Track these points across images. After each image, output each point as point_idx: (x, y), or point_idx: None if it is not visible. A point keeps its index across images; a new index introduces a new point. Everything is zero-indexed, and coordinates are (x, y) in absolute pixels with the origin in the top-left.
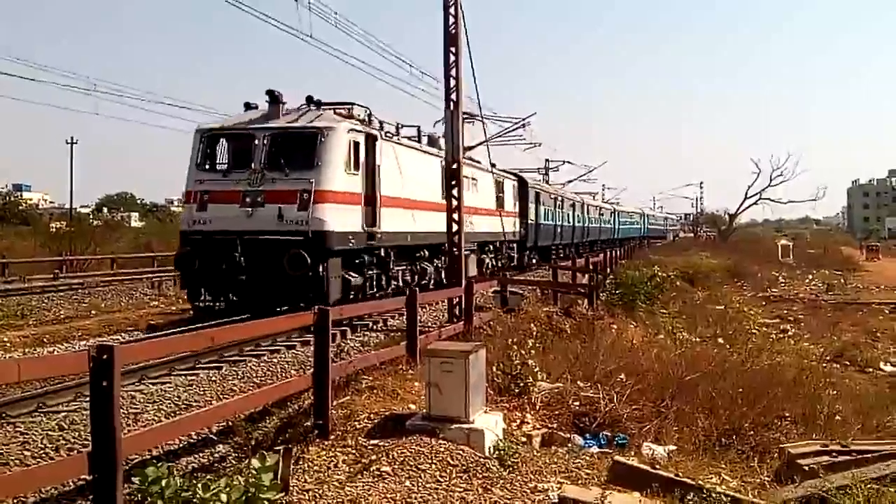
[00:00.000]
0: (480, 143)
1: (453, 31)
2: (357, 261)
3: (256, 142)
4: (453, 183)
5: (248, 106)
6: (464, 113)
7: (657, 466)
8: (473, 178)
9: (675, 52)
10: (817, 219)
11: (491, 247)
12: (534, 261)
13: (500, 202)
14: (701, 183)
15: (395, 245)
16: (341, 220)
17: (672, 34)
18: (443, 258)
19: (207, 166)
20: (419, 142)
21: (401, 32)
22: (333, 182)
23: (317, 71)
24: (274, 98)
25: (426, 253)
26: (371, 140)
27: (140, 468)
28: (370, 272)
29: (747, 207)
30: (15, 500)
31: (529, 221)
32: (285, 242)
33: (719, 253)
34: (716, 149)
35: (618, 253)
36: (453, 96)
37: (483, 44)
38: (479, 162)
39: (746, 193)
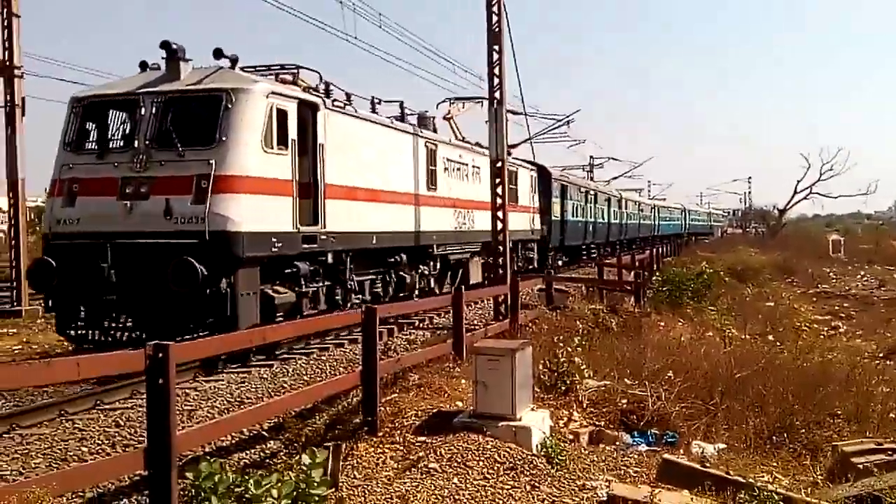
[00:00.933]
0: (525, 141)
1: (496, 29)
2: (289, 271)
3: (142, 111)
4: (497, 181)
5: (143, 66)
6: (507, 111)
7: (707, 465)
8: (468, 164)
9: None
10: (868, 213)
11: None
12: (560, 262)
13: (511, 195)
14: (749, 178)
15: (352, 249)
16: (257, 216)
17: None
18: (435, 263)
19: (82, 147)
20: (402, 120)
21: (437, 30)
22: (244, 164)
23: (360, 73)
24: (171, 53)
25: (404, 258)
26: (308, 109)
27: (194, 464)
28: (312, 286)
29: (797, 202)
30: (73, 495)
31: (554, 218)
32: (170, 248)
33: (768, 249)
34: (765, 143)
35: (663, 250)
36: (497, 94)
37: (526, 41)
38: (476, 145)
39: (796, 188)
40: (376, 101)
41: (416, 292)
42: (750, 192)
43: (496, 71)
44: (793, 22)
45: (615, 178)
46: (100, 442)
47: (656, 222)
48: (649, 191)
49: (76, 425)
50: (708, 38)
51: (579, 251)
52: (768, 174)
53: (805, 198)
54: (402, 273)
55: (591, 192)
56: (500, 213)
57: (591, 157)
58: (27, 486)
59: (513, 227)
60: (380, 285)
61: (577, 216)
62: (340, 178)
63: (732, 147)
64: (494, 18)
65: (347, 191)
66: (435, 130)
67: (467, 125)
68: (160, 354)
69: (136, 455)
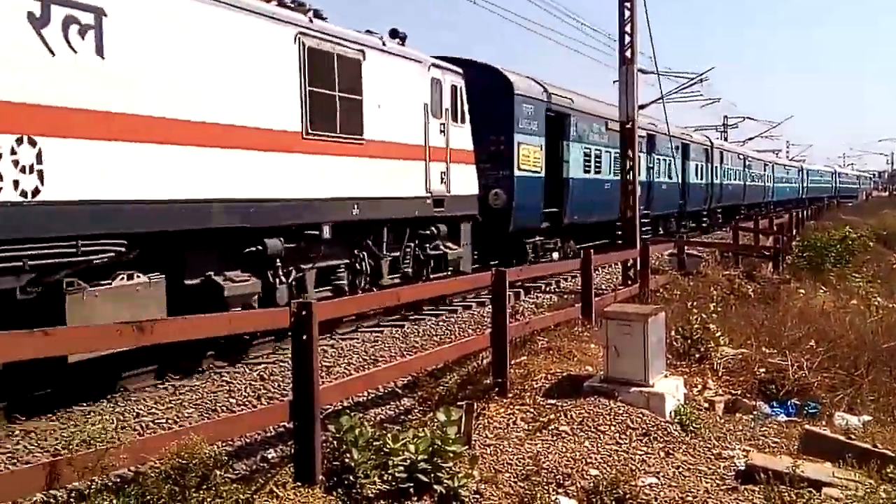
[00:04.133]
0: (655, 101)
1: None
2: None
3: None
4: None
5: None
6: (638, 69)
7: (852, 437)
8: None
9: None
10: None
11: (436, 229)
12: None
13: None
14: None
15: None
16: None
17: None
18: (359, 254)
19: None
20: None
21: None
22: None
23: (482, 36)
24: None
25: (278, 246)
26: None
27: (334, 418)
28: None
29: None
30: (223, 443)
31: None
32: None
33: None
34: None
35: (804, 214)
36: (627, 53)
37: None
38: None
39: None
40: None
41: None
42: None
43: (627, 29)
44: None
45: (750, 138)
46: (246, 394)
47: (802, 184)
48: (787, 152)
49: (224, 378)
50: None
51: (699, 216)
52: None
53: None
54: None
55: (717, 151)
56: (629, 176)
57: (724, 116)
58: (186, 433)
59: (443, 188)
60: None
61: (699, 178)
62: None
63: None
64: None
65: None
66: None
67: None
68: (304, 312)
69: (282, 407)
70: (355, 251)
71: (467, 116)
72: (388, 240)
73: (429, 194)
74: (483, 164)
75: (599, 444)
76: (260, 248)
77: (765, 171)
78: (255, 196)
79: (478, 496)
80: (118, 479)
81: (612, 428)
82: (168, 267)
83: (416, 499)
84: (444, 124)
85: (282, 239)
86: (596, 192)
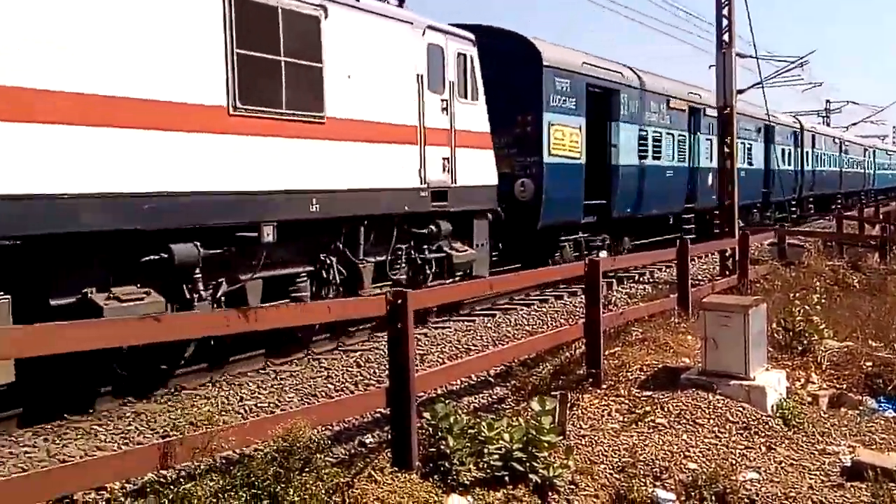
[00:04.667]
0: (754, 86)
1: None
2: None
3: None
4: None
5: None
6: (736, 54)
7: None
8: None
9: None
10: None
11: (436, 227)
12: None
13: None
14: None
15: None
16: None
17: None
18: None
19: None
20: None
21: None
22: None
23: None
24: None
25: (192, 252)
26: None
27: (429, 405)
28: None
29: None
30: (323, 428)
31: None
32: None
33: None
34: None
35: None
36: (725, 36)
37: None
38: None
39: None
40: None
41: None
42: None
43: (725, 12)
44: None
45: (854, 124)
46: (343, 380)
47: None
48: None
49: (322, 364)
50: None
51: (787, 206)
52: None
53: None
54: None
55: (808, 135)
56: (727, 164)
57: (826, 101)
58: (291, 417)
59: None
60: None
61: (787, 164)
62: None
63: None
64: None
65: None
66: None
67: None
68: (399, 301)
69: (379, 393)
70: (321, 256)
71: (481, 92)
72: (369, 241)
73: (424, 185)
74: (508, 150)
75: (698, 438)
76: (164, 255)
77: (864, 156)
78: (151, 189)
79: (573, 487)
80: (224, 461)
81: (711, 421)
82: (21, 284)
83: (511, 487)
84: (446, 101)
85: (198, 244)
86: (653, 181)
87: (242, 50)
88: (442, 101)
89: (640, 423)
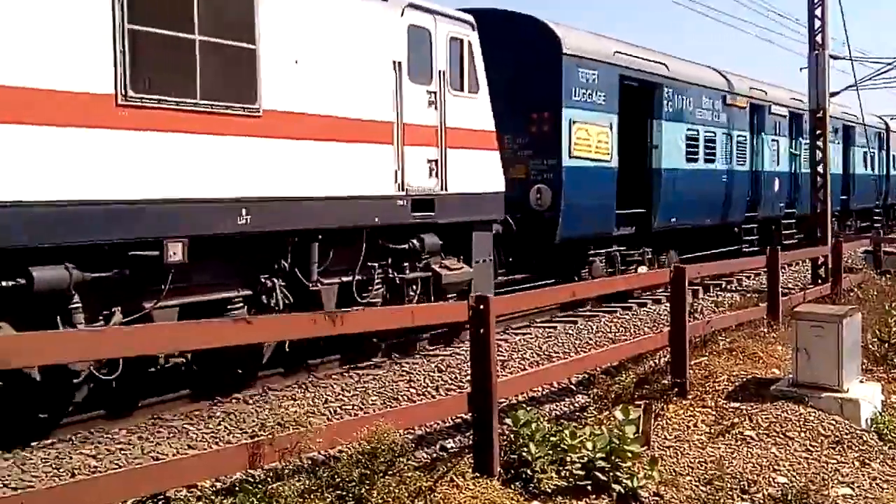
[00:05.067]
0: (848, 88)
1: None
2: None
3: None
4: (818, 133)
5: None
6: (829, 55)
7: None
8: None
9: None
10: None
11: (419, 242)
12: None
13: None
14: None
15: None
16: None
17: None
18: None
19: None
20: None
21: None
22: None
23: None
24: None
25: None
26: None
27: (510, 411)
28: None
29: None
30: (405, 431)
31: (658, 166)
32: None
33: None
34: None
35: None
36: (818, 38)
37: None
38: None
39: None
40: None
41: None
42: None
43: (818, 12)
44: None
45: None
46: (424, 384)
47: None
48: None
49: (403, 368)
50: None
51: (869, 215)
52: None
53: None
54: None
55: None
56: (820, 168)
57: None
58: (376, 419)
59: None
60: None
61: (868, 168)
62: None
63: None
64: None
65: None
66: None
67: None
68: (481, 306)
69: (461, 398)
70: (261, 277)
71: (483, 84)
72: (328, 259)
73: (401, 193)
74: (523, 152)
75: (787, 451)
76: (22, 281)
77: None
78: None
79: (657, 498)
80: (309, 461)
81: (802, 434)
82: None
83: (593, 496)
84: (434, 93)
85: (70, 266)
86: (705, 187)
87: (136, 25)
88: (429, 93)
89: (727, 434)
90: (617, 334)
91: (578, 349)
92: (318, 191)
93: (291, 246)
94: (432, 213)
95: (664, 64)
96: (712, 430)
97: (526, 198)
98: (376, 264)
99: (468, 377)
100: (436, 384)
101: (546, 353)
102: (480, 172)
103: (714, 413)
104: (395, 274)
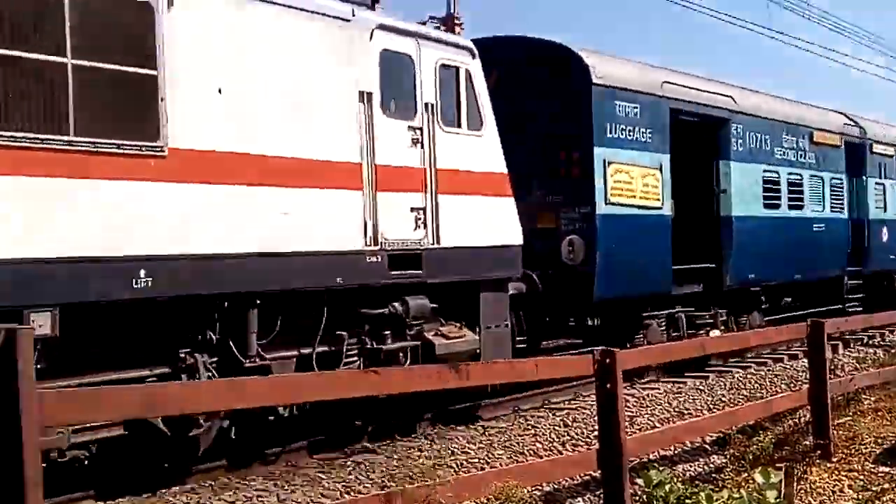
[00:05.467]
0: None
1: None
2: None
3: None
4: None
5: None
6: None
7: None
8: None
9: None
10: None
11: (402, 306)
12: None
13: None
14: None
15: None
16: None
17: None
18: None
19: None
20: None
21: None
22: None
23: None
24: None
25: None
26: None
27: (642, 470)
28: None
29: None
30: (532, 487)
31: (729, 214)
32: None
33: None
34: None
35: None
36: None
37: None
38: None
39: None
40: None
41: None
42: None
43: None
44: None
45: None
46: (551, 439)
47: None
48: None
49: (528, 421)
50: None
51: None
52: None
53: None
54: None
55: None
56: None
57: None
58: (504, 475)
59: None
60: None
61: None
62: None
63: None
64: None
65: None
66: None
67: None
68: (607, 360)
69: (589, 455)
70: (180, 353)
71: (488, 119)
72: (276, 329)
73: (373, 247)
74: (551, 198)
75: None
76: None
77: None
78: None
79: None
80: None
81: None
82: None
83: None
84: (419, 129)
85: None
86: (791, 238)
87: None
88: (411, 129)
89: (877, 501)
90: (751, 391)
91: (710, 406)
92: (252, 246)
93: (220, 313)
94: (419, 272)
95: (730, 96)
96: (860, 496)
97: (557, 251)
98: (345, 333)
99: (595, 432)
100: (562, 439)
101: (676, 409)
102: (487, 222)
103: (861, 478)
104: (375, 344)
